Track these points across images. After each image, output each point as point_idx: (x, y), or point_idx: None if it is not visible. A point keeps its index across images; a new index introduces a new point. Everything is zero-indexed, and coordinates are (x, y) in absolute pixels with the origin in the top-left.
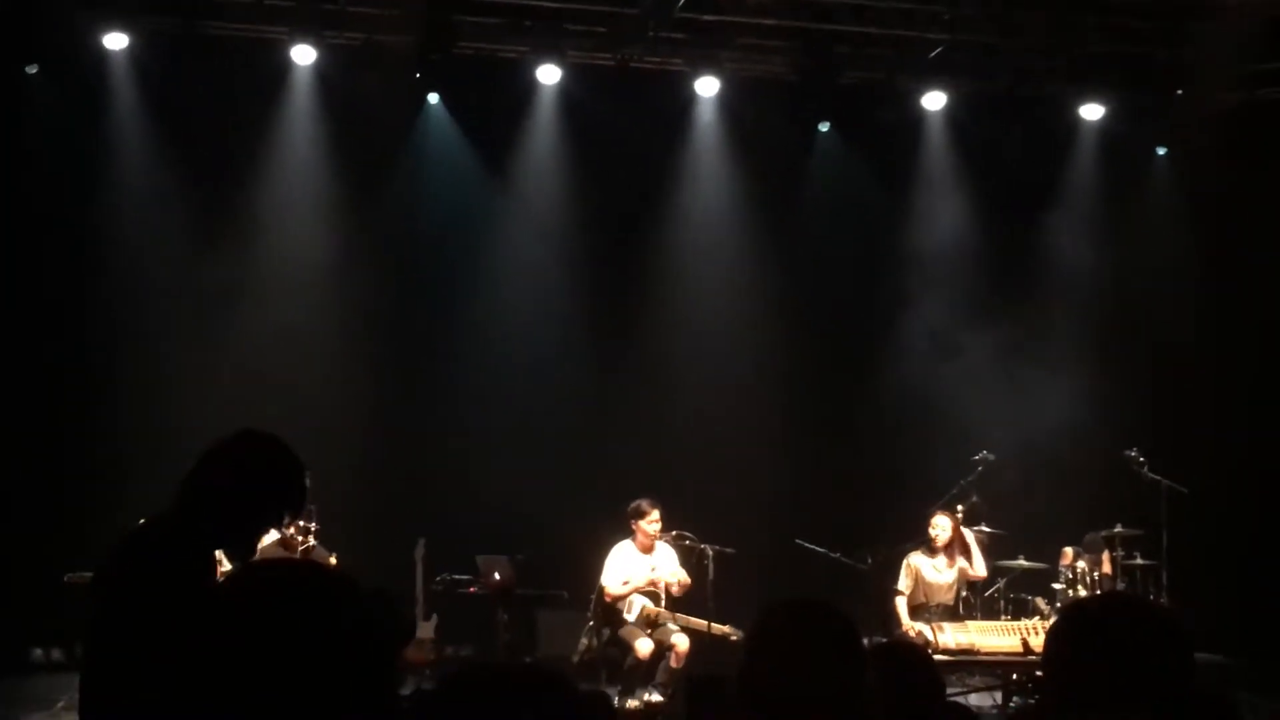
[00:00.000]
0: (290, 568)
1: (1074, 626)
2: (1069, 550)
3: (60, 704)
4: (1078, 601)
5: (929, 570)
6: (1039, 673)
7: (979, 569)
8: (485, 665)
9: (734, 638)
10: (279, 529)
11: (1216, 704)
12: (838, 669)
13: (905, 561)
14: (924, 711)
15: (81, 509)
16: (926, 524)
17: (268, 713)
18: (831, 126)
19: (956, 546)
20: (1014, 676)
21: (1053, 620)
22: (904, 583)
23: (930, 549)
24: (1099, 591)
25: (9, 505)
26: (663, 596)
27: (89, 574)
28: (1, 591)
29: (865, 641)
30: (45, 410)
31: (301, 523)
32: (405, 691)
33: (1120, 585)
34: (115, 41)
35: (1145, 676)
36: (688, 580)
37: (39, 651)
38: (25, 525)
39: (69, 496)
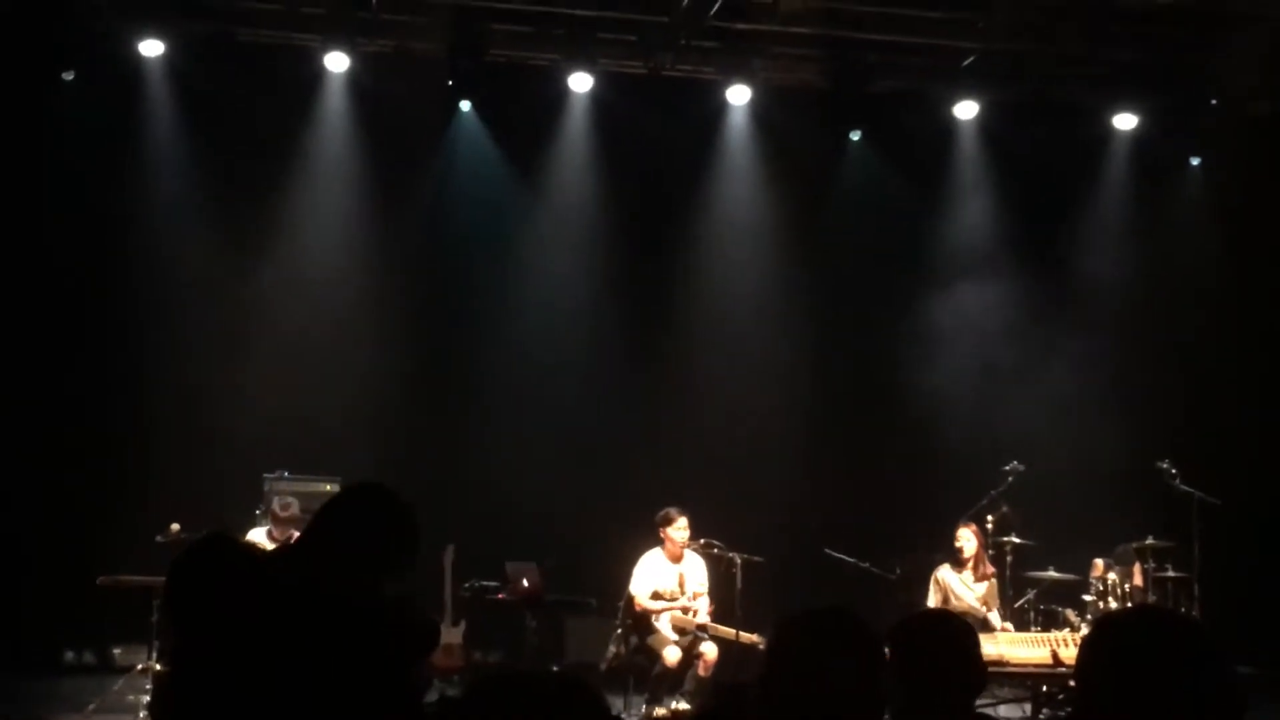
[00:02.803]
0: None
1: (1105, 639)
2: (1099, 562)
3: (91, 706)
4: (1109, 614)
5: (957, 585)
6: (1071, 683)
7: (995, 618)
8: (509, 673)
9: (762, 646)
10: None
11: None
12: (857, 677)
13: (934, 576)
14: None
15: (113, 513)
16: (953, 536)
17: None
18: (863, 135)
19: (984, 559)
20: (1044, 688)
21: (1083, 632)
22: (933, 599)
23: (957, 562)
24: (1129, 604)
25: (42, 509)
26: (693, 614)
27: (121, 577)
28: (35, 594)
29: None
30: (78, 415)
31: None
32: (431, 698)
33: (1151, 597)
34: (150, 48)
35: (1176, 691)
36: (706, 609)
37: (71, 654)
38: (58, 529)
39: (101, 500)
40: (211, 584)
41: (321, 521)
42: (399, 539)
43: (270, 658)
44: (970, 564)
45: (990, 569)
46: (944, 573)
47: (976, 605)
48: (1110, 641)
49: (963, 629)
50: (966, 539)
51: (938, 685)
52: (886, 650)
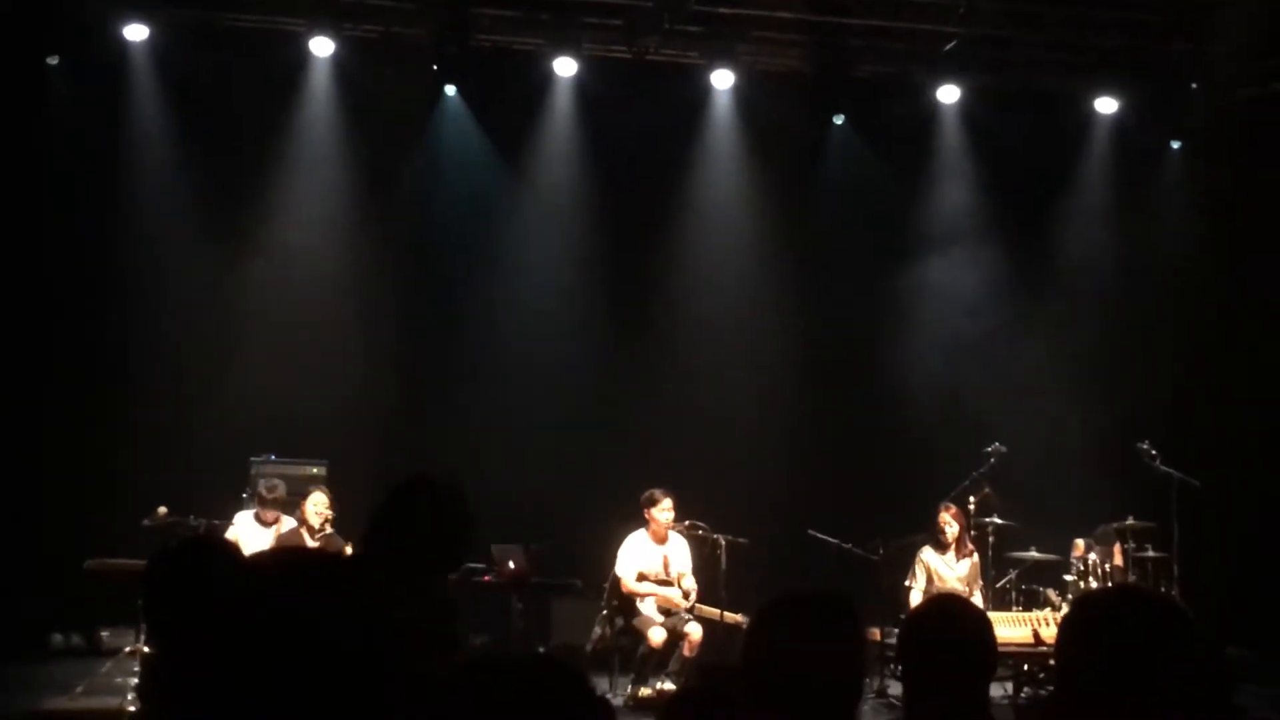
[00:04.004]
0: (295, 560)
1: (1085, 619)
2: (1080, 542)
3: (79, 689)
4: (1089, 594)
5: (940, 565)
6: (1051, 662)
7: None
8: (495, 655)
9: (746, 627)
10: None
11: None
12: (837, 656)
13: (917, 556)
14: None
15: (101, 497)
16: (935, 518)
17: (270, 706)
18: (846, 120)
19: (966, 539)
20: (1025, 667)
21: (1064, 611)
22: (916, 578)
23: (940, 543)
24: (1110, 583)
25: (31, 492)
26: (678, 589)
27: (109, 560)
28: (23, 577)
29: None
30: (65, 399)
31: (320, 511)
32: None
33: (1131, 577)
34: (135, 33)
35: (1154, 669)
36: (694, 588)
37: (59, 637)
38: (46, 512)
39: (89, 484)
40: (188, 592)
41: (383, 520)
42: (462, 532)
43: (253, 643)
44: (953, 545)
45: (972, 549)
46: (927, 554)
47: (959, 585)
48: (1090, 620)
49: (973, 613)
50: (949, 521)
51: (948, 669)
52: (876, 635)
